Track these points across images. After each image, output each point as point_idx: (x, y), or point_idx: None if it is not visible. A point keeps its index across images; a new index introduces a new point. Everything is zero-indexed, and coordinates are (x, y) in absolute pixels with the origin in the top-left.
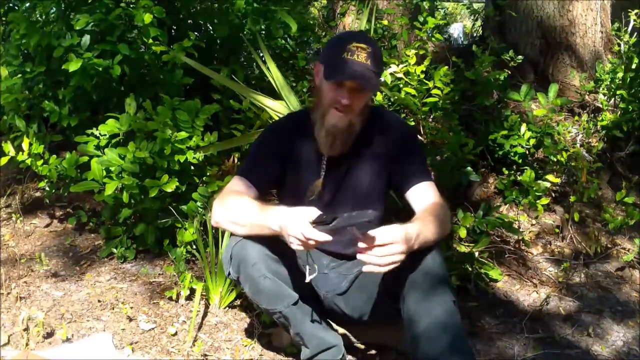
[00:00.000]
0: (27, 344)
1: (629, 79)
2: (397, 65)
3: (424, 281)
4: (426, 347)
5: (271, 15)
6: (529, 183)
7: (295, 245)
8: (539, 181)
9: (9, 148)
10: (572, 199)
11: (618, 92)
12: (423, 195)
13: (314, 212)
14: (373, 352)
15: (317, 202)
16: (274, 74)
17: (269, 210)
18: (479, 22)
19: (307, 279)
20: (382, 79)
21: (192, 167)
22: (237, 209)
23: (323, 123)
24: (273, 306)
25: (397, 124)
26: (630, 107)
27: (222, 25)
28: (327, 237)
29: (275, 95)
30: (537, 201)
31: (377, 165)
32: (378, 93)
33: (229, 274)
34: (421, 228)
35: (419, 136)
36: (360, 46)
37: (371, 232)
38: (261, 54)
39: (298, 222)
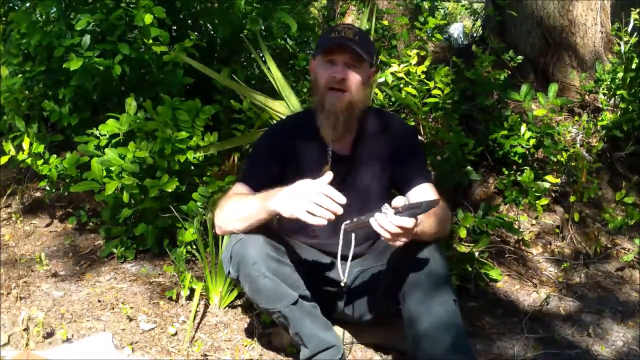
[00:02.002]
0: (27, 344)
1: (629, 79)
2: (398, 65)
3: (425, 281)
4: (427, 347)
5: (271, 15)
6: (528, 183)
7: (315, 218)
8: (538, 181)
9: (9, 147)
10: (572, 199)
11: (618, 92)
12: (424, 196)
13: (324, 183)
14: (373, 352)
15: None
16: (275, 74)
17: (265, 193)
18: (479, 22)
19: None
20: (383, 78)
21: (192, 167)
22: (234, 205)
23: (323, 107)
24: (272, 306)
25: (397, 125)
26: (630, 107)
27: (223, 25)
28: (342, 198)
29: (275, 95)
30: (537, 201)
31: (379, 166)
32: (379, 92)
33: (229, 273)
34: (421, 218)
35: (419, 136)
36: (347, 26)
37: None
38: (261, 54)
39: (312, 185)
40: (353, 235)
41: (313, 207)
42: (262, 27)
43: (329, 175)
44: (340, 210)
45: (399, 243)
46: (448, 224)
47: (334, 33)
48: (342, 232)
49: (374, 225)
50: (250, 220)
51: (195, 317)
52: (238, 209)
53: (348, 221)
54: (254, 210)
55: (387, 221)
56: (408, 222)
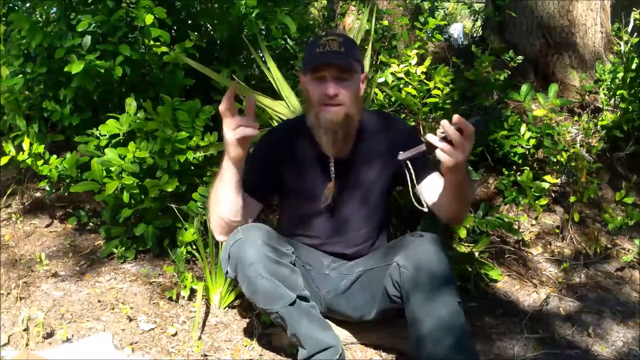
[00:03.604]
0: (27, 344)
1: (629, 79)
2: (398, 66)
3: (429, 282)
4: (431, 348)
5: (271, 16)
6: (527, 183)
7: (237, 132)
8: (537, 181)
9: (9, 148)
10: (572, 199)
11: (618, 92)
12: (438, 185)
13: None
14: (373, 352)
15: (321, 201)
16: (274, 74)
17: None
18: (479, 22)
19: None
20: (383, 79)
21: (192, 167)
22: (210, 198)
23: (320, 123)
24: (270, 306)
25: (396, 124)
26: (630, 107)
27: (222, 25)
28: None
29: (275, 95)
30: (536, 202)
31: (380, 165)
32: (378, 92)
33: (227, 273)
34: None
35: (418, 137)
36: (331, 38)
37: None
38: (261, 55)
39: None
40: (410, 164)
41: (235, 133)
42: (262, 28)
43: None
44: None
45: (451, 160)
46: (472, 195)
47: (319, 48)
48: (404, 164)
49: (432, 139)
50: (226, 195)
51: (197, 317)
52: (213, 197)
53: (402, 152)
54: (222, 183)
55: (449, 127)
56: (469, 125)
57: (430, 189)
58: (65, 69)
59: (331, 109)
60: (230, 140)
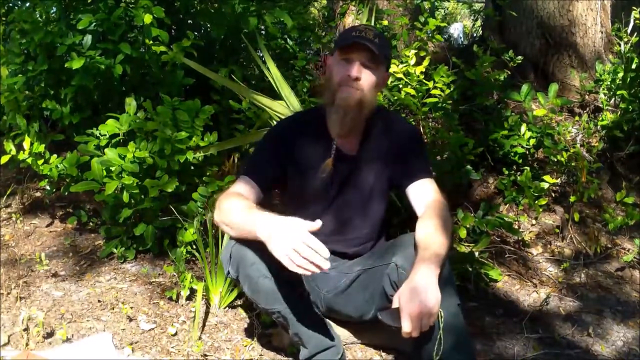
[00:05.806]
0: (27, 344)
1: (629, 79)
2: (397, 66)
3: None
4: (430, 348)
5: (266, 14)
6: (527, 183)
7: (295, 266)
8: (537, 181)
9: (10, 147)
10: (572, 199)
11: (618, 92)
12: (423, 192)
13: (311, 224)
14: (373, 352)
15: (323, 198)
16: (274, 74)
17: (259, 214)
18: (479, 22)
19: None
20: None
21: (192, 167)
22: (229, 210)
23: (334, 101)
24: (271, 306)
25: (400, 124)
26: (630, 107)
27: (219, 25)
28: (326, 252)
29: (275, 95)
30: (536, 202)
31: (381, 165)
32: (378, 93)
33: (228, 273)
34: (432, 253)
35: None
36: (368, 27)
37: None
38: (261, 54)
39: (298, 231)
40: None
41: (294, 255)
42: (261, 27)
43: (317, 224)
44: (326, 265)
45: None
46: (451, 222)
47: (355, 32)
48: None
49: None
50: (241, 235)
51: (197, 316)
52: (232, 218)
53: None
54: (246, 229)
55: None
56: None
57: (418, 195)
58: (66, 65)
59: (349, 90)
60: (282, 254)
